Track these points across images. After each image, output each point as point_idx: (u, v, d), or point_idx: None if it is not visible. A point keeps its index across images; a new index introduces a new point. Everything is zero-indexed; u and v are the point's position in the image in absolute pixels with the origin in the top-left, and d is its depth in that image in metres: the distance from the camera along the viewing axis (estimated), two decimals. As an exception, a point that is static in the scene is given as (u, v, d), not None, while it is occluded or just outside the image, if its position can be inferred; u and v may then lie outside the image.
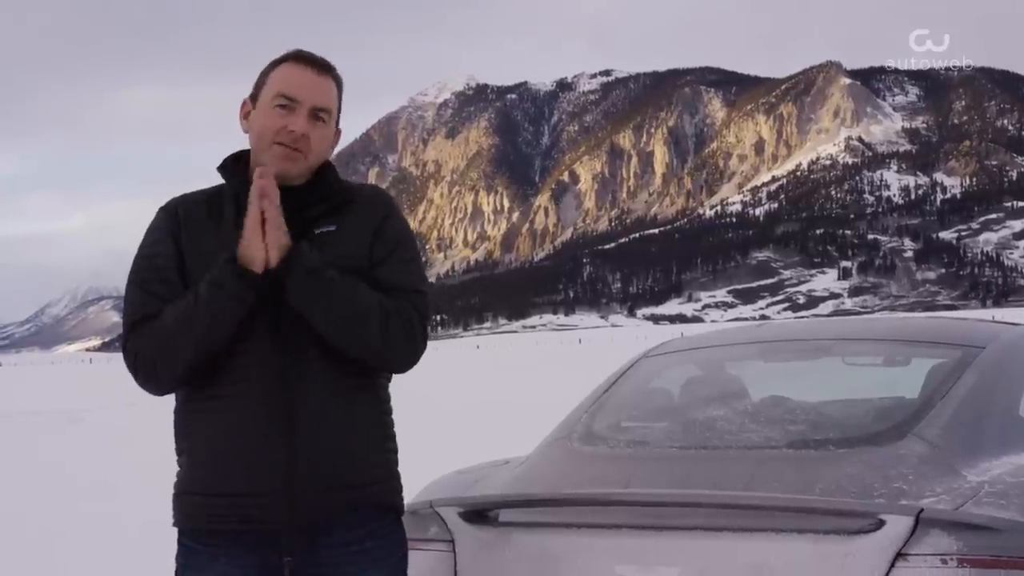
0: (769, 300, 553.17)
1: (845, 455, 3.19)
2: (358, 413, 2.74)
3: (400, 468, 2.86)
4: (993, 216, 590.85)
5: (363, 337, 2.67)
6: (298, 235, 2.65)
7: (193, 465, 2.74)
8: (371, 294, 2.67)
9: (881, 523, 2.70)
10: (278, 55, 2.82)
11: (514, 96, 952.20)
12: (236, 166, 2.81)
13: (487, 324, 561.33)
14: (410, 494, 3.02)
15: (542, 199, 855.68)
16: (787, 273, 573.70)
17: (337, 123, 2.85)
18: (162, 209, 2.82)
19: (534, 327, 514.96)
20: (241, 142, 2.85)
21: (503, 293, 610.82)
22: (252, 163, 2.76)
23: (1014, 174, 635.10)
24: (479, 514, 3.21)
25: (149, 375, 2.69)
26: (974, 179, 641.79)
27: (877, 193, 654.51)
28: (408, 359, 2.76)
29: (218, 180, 2.86)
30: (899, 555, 2.66)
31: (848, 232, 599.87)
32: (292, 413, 2.64)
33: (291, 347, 2.65)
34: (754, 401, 4.08)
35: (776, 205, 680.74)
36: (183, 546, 2.79)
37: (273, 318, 2.65)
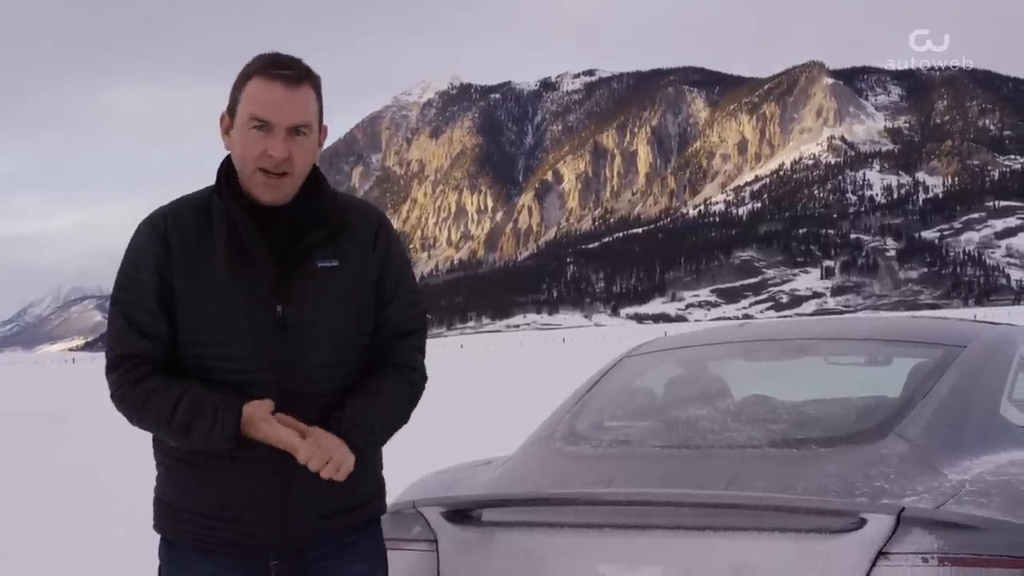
0: (752, 299, 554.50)
1: (827, 454, 3.20)
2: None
3: (383, 468, 2.91)
4: (975, 215, 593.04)
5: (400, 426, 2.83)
6: (298, 265, 2.65)
7: (177, 484, 2.70)
8: (400, 401, 2.78)
9: (863, 522, 2.71)
10: (249, 60, 2.71)
11: (498, 96, 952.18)
12: (228, 186, 2.70)
13: (471, 323, 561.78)
14: (393, 494, 3.02)
15: (526, 198, 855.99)
16: (770, 272, 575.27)
17: (321, 120, 2.73)
18: (149, 223, 2.71)
19: (518, 326, 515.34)
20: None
21: (487, 293, 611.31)
22: (241, 182, 2.69)
23: (996, 174, 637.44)
24: (462, 514, 3.21)
25: (126, 417, 2.70)
26: (956, 179, 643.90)
27: (860, 193, 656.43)
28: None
29: (210, 180, 2.76)
30: (880, 554, 2.67)
31: (831, 231, 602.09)
32: None
33: (288, 379, 2.62)
34: (736, 400, 4.09)
35: (759, 204, 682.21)
36: (165, 541, 2.76)
37: (273, 366, 2.62)
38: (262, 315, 2.60)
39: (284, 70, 2.62)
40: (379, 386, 2.72)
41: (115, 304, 2.69)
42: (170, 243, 2.65)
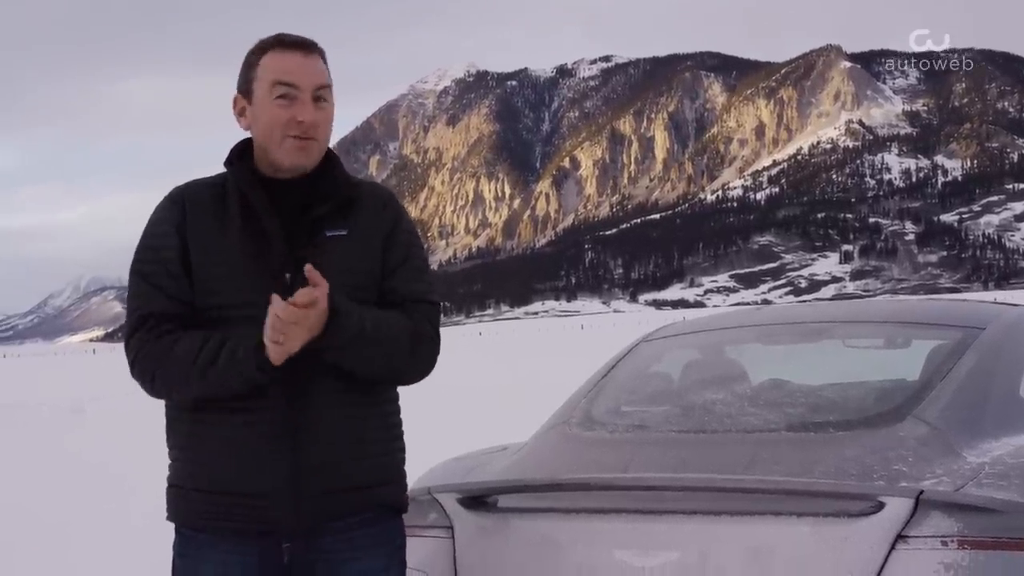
0: (771, 284, 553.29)
1: (845, 437, 3.18)
2: (366, 417, 2.72)
3: (404, 453, 2.87)
4: (994, 198, 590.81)
5: (394, 369, 2.72)
6: (308, 236, 2.67)
7: (190, 462, 2.70)
8: (400, 328, 2.68)
9: (881, 505, 2.69)
10: (255, 44, 2.73)
11: (514, 83, 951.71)
12: (240, 161, 2.74)
13: (489, 311, 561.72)
14: (409, 481, 2.96)
15: (543, 185, 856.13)
16: (789, 257, 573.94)
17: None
18: (167, 198, 2.76)
19: (536, 313, 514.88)
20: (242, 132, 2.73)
21: (505, 280, 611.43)
22: (257, 157, 2.72)
23: (1015, 156, 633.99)
24: (478, 500, 3.19)
25: (145, 385, 2.69)
26: (975, 161, 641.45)
27: (878, 176, 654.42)
28: (423, 375, 2.80)
29: (215, 163, 2.77)
30: (899, 537, 2.65)
31: (849, 216, 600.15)
32: (298, 418, 2.62)
33: (300, 355, 2.56)
34: (753, 384, 4.05)
35: (777, 189, 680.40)
36: (180, 533, 2.75)
37: None
38: (272, 282, 2.59)
39: (297, 40, 2.70)
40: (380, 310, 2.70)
41: (136, 274, 2.71)
42: (187, 213, 2.70)
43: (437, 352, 2.80)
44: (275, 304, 2.45)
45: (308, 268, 2.46)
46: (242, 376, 2.55)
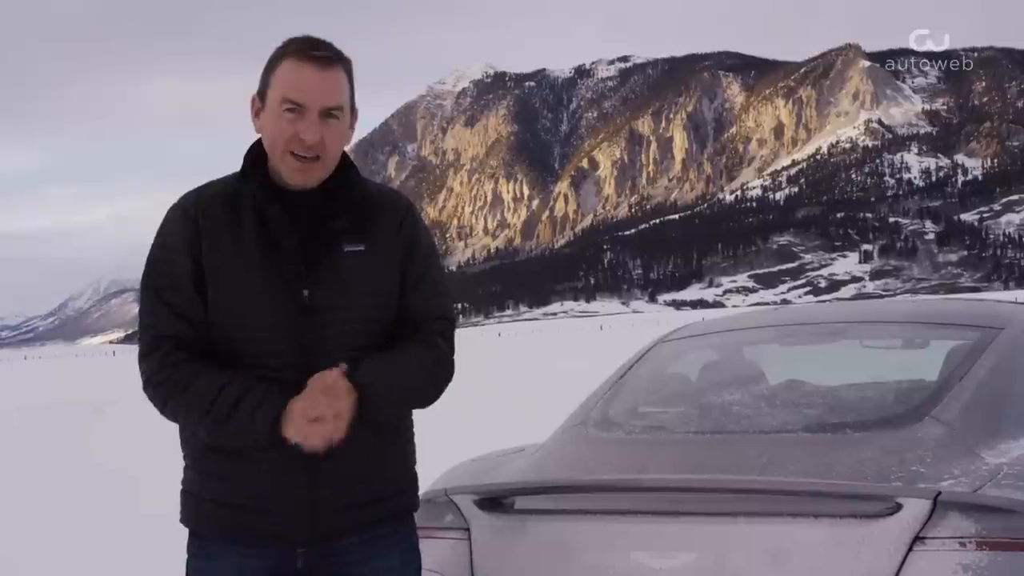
0: (790, 284, 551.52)
1: (862, 438, 3.16)
2: (382, 435, 2.70)
3: (416, 455, 2.87)
4: (1015, 197, 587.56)
5: (413, 407, 2.78)
6: (325, 249, 2.62)
7: (204, 473, 2.68)
8: (417, 368, 2.67)
9: (898, 506, 2.67)
10: (281, 43, 2.65)
11: (532, 83, 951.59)
12: (254, 171, 2.68)
13: (508, 312, 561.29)
14: (426, 482, 2.98)
15: (562, 186, 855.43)
16: (808, 257, 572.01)
17: (353, 105, 2.70)
18: (180, 208, 2.68)
19: (555, 314, 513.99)
20: (262, 134, 2.65)
21: (524, 281, 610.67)
22: (269, 167, 2.67)
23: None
24: (495, 501, 3.19)
25: (156, 406, 2.66)
26: (995, 160, 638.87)
27: (898, 176, 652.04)
28: (439, 395, 2.78)
29: (238, 165, 2.72)
30: (917, 538, 2.63)
31: (869, 215, 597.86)
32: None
33: (314, 363, 2.56)
34: (771, 385, 4.03)
35: (796, 189, 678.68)
36: (194, 534, 2.75)
37: (299, 351, 2.59)
38: (289, 299, 2.58)
39: (316, 51, 2.58)
40: (398, 349, 2.67)
41: (148, 289, 2.65)
42: (200, 227, 2.62)
43: (453, 368, 2.78)
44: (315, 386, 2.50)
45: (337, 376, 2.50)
46: (253, 441, 2.54)
